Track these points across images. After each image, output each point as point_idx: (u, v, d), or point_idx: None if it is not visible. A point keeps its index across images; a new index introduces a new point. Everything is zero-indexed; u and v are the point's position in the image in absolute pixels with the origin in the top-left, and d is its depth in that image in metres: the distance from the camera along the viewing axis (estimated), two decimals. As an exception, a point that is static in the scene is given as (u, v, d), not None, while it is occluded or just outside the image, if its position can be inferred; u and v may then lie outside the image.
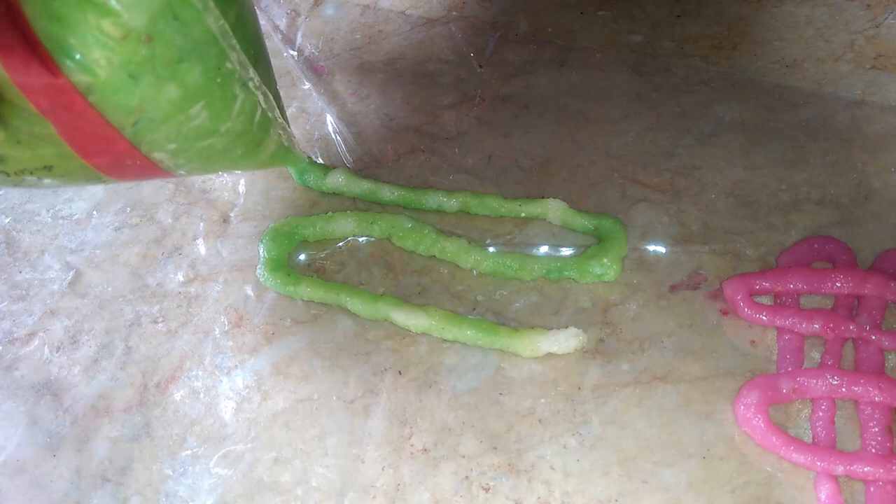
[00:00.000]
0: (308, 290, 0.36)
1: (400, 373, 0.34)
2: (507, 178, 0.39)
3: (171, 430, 0.33)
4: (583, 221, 0.37)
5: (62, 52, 0.20)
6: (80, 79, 0.21)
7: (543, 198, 0.38)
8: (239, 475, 0.32)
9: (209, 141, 0.25)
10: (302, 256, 0.38)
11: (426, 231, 0.37)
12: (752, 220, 0.37)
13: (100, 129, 0.22)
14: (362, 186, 0.39)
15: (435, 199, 0.38)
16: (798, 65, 0.43)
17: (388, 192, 0.38)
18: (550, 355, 0.33)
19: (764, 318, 0.33)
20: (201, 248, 0.39)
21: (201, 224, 0.40)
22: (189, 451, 0.33)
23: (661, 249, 0.36)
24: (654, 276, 0.36)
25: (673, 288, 0.35)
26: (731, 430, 0.31)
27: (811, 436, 0.31)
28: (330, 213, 0.38)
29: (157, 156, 0.25)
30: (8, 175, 0.23)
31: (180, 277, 0.38)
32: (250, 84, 0.25)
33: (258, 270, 0.37)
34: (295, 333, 0.36)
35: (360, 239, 0.38)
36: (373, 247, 0.38)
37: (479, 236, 0.38)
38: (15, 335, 0.37)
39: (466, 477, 0.31)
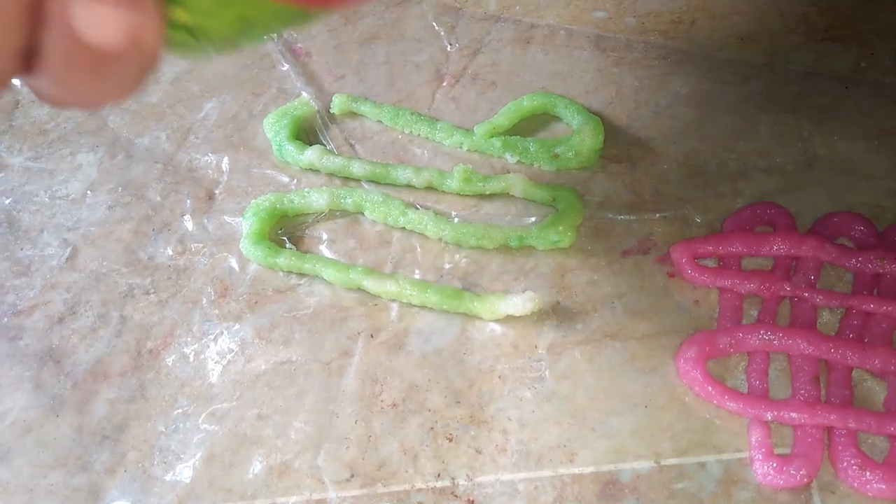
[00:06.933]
0: (287, 262, 0.38)
1: (372, 336, 0.37)
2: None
3: (163, 392, 0.36)
4: (542, 193, 0.39)
5: None
6: None
7: (506, 173, 0.40)
8: (225, 430, 0.35)
9: None
10: (281, 230, 0.41)
11: (395, 204, 0.39)
12: (701, 189, 0.39)
13: None
14: (336, 162, 0.41)
15: (404, 175, 0.40)
16: (752, 38, 0.45)
17: (359, 168, 0.41)
18: (510, 317, 0.36)
19: (706, 279, 0.36)
20: (189, 224, 0.41)
21: (188, 201, 0.42)
22: (180, 410, 0.36)
23: (616, 217, 0.39)
24: (608, 242, 0.38)
25: (624, 253, 0.38)
26: (672, 382, 0.34)
27: (747, 386, 0.34)
28: (307, 189, 0.41)
29: None
30: (215, 45, 0.22)
31: (170, 252, 0.41)
32: None
33: (241, 244, 0.40)
34: (276, 302, 0.38)
35: (336, 213, 0.41)
36: (347, 220, 0.41)
37: (446, 208, 0.40)
38: (18, 307, 0.40)
39: (432, 428, 0.34)
